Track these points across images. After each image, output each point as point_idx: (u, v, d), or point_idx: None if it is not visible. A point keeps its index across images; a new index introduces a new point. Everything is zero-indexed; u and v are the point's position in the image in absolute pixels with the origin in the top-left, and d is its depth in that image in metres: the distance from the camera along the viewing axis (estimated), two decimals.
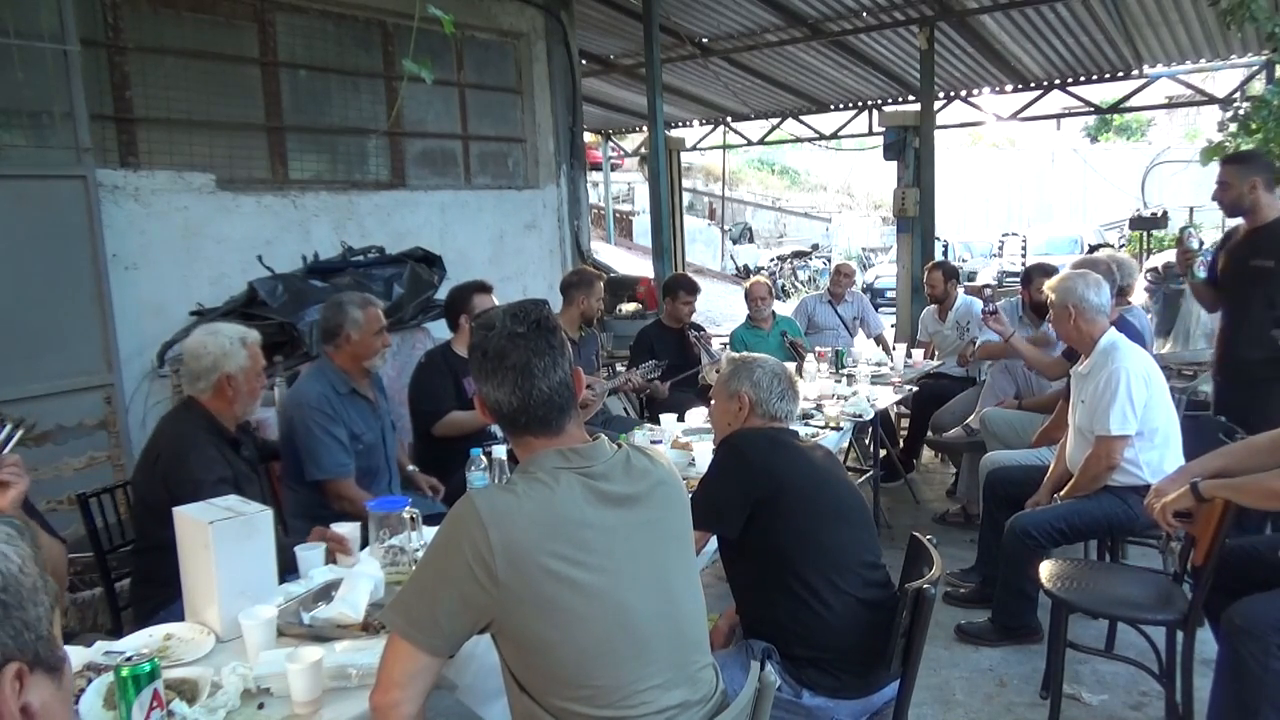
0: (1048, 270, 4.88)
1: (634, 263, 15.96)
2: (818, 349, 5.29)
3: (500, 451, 2.62)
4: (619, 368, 5.85)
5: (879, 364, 5.45)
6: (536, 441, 1.55)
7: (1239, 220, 3.88)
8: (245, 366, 2.62)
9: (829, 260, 19.53)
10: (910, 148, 8.95)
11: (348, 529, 2.40)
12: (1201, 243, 4.20)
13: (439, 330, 5.05)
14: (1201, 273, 3.93)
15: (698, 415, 3.92)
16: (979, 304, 5.66)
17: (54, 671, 0.85)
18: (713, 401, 2.54)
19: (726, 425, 2.42)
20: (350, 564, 2.27)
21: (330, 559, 2.33)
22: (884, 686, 2.09)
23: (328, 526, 2.86)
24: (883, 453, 4.96)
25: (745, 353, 2.56)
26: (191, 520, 1.96)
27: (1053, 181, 28.81)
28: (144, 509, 2.53)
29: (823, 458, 2.36)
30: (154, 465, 2.51)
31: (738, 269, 21.00)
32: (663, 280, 7.30)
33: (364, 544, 2.41)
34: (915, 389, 5.11)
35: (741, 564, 2.25)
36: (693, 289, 5.33)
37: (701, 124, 14.52)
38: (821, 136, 14.45)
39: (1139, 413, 3.09)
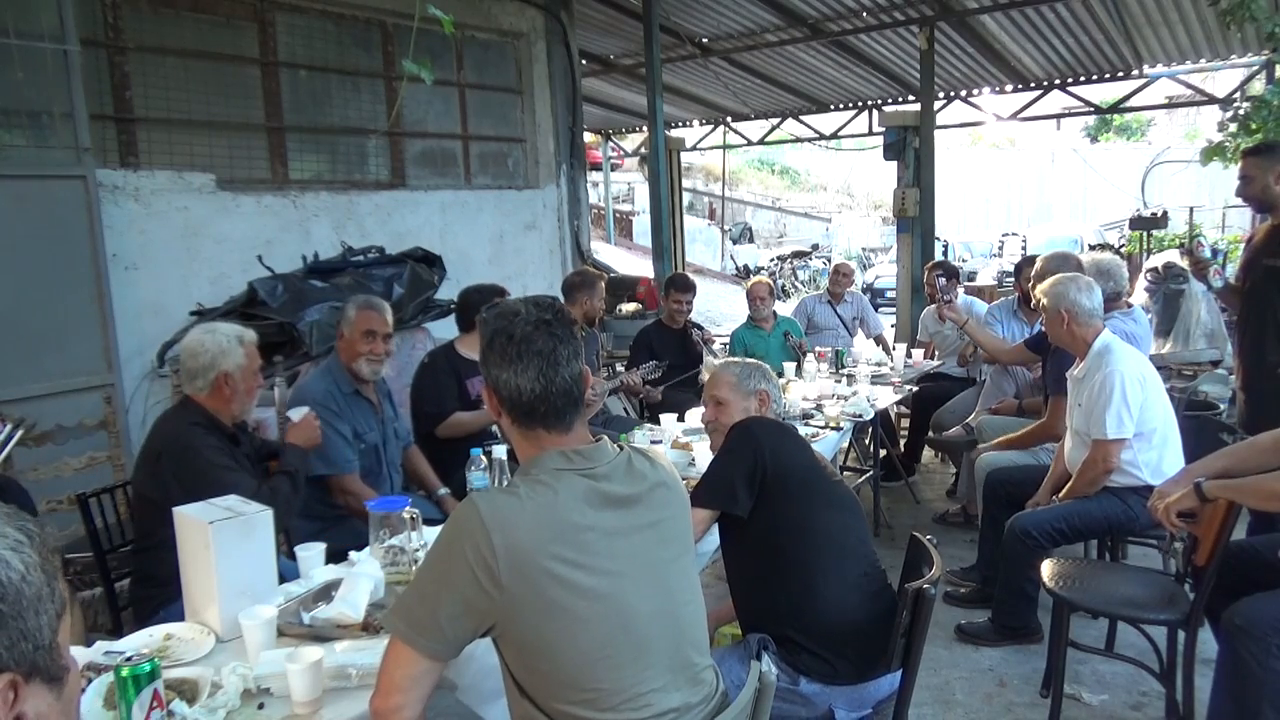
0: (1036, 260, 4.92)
1: (634, 263, 15.96)
2: (817, 349, 5.29)
3: (500, 451, 2.61)
4: (619, 368, 5.85)
5: (879, 364, 5.45)
6: (547, 437, 1.54)
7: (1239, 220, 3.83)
8: (242, 365, 2.62)
9: (829, 260, 19.52)
10: (910, 148, 8.94)
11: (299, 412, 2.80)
12: (1215, 251, 4.11)
13: (439, 330, 5.05)
14: (1218, 282, 3.81)
15: (698, 415, 3.91)
16: (980, 304, 5.67)
17: (54, 682, 0.84)
18: (722, 399, 2.53)
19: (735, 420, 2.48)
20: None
21: (330, 559, 2.33)
22: (879, 676, 2.11)
23: (328, 525, 2.89)
24: (883, 453, 4.96)
25: (742, 358, 2.62)
26: (191, 520, 1.95)
27: (1053, 181, 28.79)
28: (148, 506, 2.51)
29: (819, 454, 2.48)
30: (156, 462, 2.50)
31: (738, 269, 21.00)
32: (662, 281, 7.32)
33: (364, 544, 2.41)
34: (915, 389, 5.11)
35: (741, 553, 2.31)
36: (685, 287, 5.34)
37: (701, 124, 14.52)
38: (821, 136, 14.44)
39: (1135, 414, 3.09)
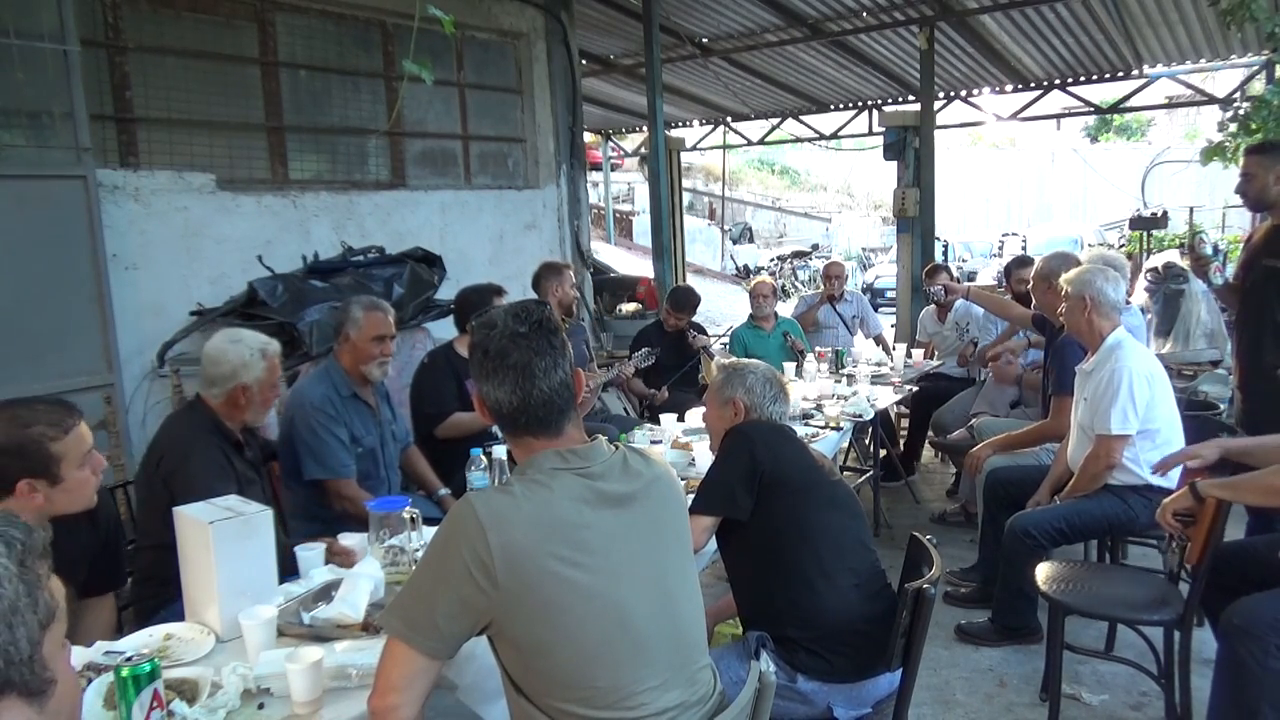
0: (1025, 261, 5.00)
1: (634, 263, 15.97)
2: (818, 349, 5.30)
3: (500, 451, 2.62)
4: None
5: (879, 364, 5.45)
6: (536, 443, 1.54)
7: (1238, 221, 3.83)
8: (261, 380, 2.60)
9: (829, 259, 19.53)
10: (910, 148, 8.95)
11: (355, 540, 2.38)
12: (1216, 248, 4.12)
13: (439, 330, 5.05)
14: (1219, 279, 3.80)
15: (698, 415, 3.91)
16: (978, 307, 5.67)
17: (35, 695, 0.81)
18: (708, 400, 2.61)
19: (722, 430, 2.49)
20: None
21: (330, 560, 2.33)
22: (877, 674, 2.12)
23: (327, 526, 2.88)
24: (883, 453, 4.96)
25: (734, 359, 2.62)
26: (191, 520, 1.96)
27: (1053, 181, 28.82)
28: (147, 508, 2.53)
29: (817, 453, 2.48)
30: (156, 465, 2.51)
31: (738, 269, 21.02)
32: (663, 281, 7.35)
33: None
34: (915, 389, 5.11)
35: (739, 552, 2.32)
36: (680, 306, 5.34)
37: (701, 124, 14.51)
38: (821, 136, 14.44)
39: (1141, 412, 3.08)
